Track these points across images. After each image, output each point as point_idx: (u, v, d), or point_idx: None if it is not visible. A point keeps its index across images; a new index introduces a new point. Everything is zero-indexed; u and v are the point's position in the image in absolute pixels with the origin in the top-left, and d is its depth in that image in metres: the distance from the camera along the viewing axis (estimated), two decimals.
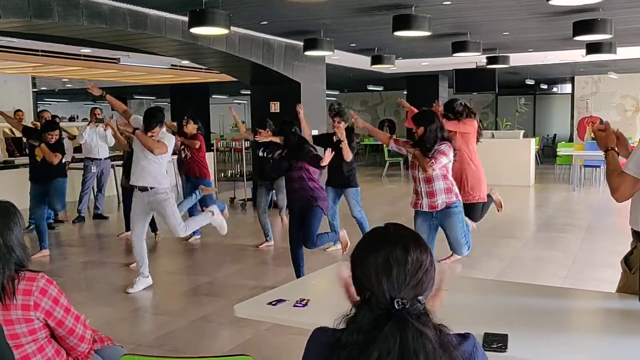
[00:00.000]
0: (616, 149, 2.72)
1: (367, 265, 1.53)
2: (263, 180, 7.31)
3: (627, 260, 2.70)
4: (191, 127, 7.64)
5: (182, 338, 4.61)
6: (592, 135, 13.49)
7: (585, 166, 12.98)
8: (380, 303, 1.50)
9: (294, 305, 2.61)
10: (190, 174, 7.74)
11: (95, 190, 9.78)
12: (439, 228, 5.32)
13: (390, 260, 1.51)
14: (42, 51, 11.04)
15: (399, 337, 1.44)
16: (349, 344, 1.49)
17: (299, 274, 5.54)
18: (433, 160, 4.94)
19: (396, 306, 1.48)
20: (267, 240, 7.47)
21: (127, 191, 7.73)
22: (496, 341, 2.12)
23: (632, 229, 2.68)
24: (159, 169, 5.54)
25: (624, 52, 10.90)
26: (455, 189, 5.25)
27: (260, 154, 7.15)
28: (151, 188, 5.52)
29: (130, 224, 6.59)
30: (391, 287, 1.50)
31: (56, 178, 7.17)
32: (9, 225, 2.24)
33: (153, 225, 7.83)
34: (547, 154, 19.61)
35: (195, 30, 6.77)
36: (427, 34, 7.32)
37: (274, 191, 7.36)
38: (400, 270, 1.51)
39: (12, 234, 2.24)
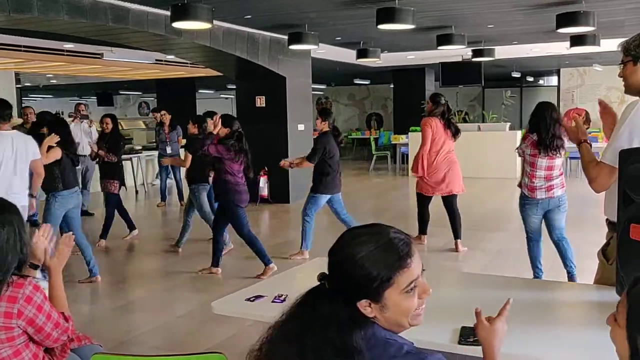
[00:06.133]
0: (588, 140, 2.73)
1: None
2: (207, 183, 6.77)
3: (604, 252, 2.70)
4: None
5: (164, 335, 4.58)
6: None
7: (571, 158, 13.04)
8: None
9: (273, 301, 2.58)
10: None
11: (80, 186, 9.69)
12: None
13: None
14: (24, 46, 10.89)
15: None
16: None
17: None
18: None
19: None
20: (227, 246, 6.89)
21: None
22: (472, 334, 2.11)
23: (607, 219, 2.68)
24: None
25: (608, 45, 10.92)
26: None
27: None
28: None
29: None
30: None
31: None
32: (24, 223, 2.30)
33: (130, 223, 7.84)
34: None
35: (178, 24, 6.73)
36: (411, 27, 7.29)
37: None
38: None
39: (25, 233, 2.27)
